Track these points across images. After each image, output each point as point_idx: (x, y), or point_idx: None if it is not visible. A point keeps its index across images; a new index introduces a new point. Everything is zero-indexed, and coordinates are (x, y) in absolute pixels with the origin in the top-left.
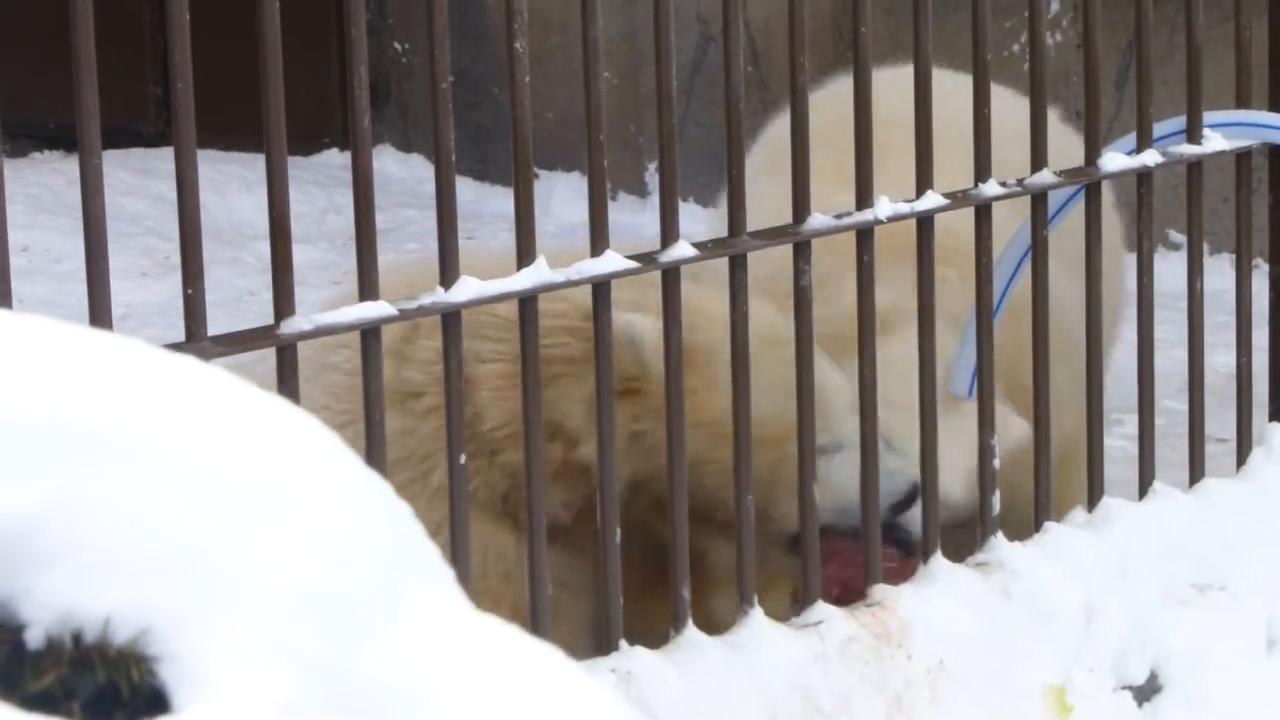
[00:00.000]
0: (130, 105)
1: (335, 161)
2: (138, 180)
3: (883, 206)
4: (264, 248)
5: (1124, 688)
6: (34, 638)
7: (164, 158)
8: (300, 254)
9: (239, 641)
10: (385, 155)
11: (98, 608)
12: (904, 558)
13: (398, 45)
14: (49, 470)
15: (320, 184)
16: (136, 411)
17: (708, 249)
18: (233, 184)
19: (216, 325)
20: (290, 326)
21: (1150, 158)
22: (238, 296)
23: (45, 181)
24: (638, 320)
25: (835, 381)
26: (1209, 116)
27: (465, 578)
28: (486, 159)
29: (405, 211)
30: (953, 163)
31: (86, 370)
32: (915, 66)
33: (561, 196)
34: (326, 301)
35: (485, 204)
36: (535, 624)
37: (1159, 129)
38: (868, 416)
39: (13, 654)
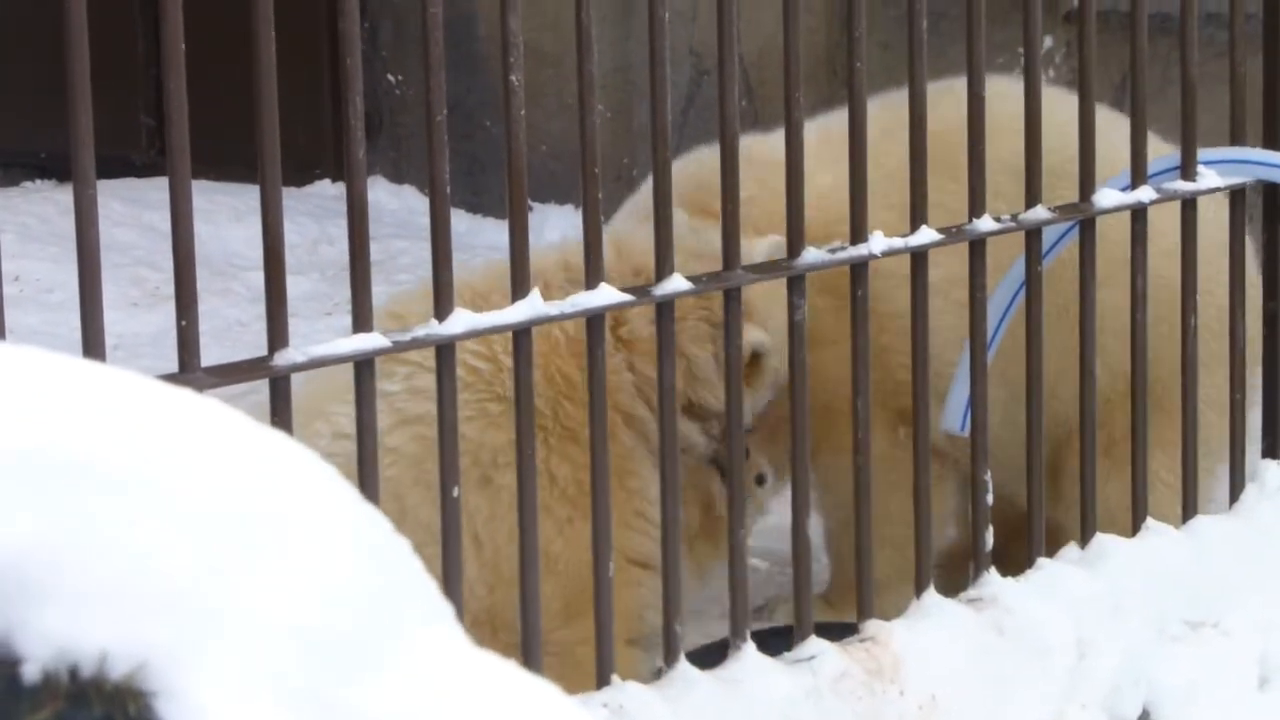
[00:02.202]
0: (122, 135)
1: (328, 192)
2: (129, 210)
3: (877, 241)
4: (254, 278)
5: None
6: (30, 672)
7: (155, 187)
8: (292, 285)
9: (235, 677)
10: (377, 186)
11: (94, 642)
12: None
13: (391, 77)
14: (45, 504)
15: (312, 214)
16: (133, 445)
17: (702, 283)
18: (223, 214)
19: (207, 356)
20: (284, 358)
21: (1145, 194)
22: (228, 327)
23: (36, 211)
24: (764, 337)
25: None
26: (1203, 153)
27: (458, 600)
28: (480, 190)
29: (397, 242)
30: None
31: (82, 402)
32: (910, 104)
33: (554, 229)
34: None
35: (478, 236)
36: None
37: (1153, 165)
38: (860, 449)
39: (9, 689)
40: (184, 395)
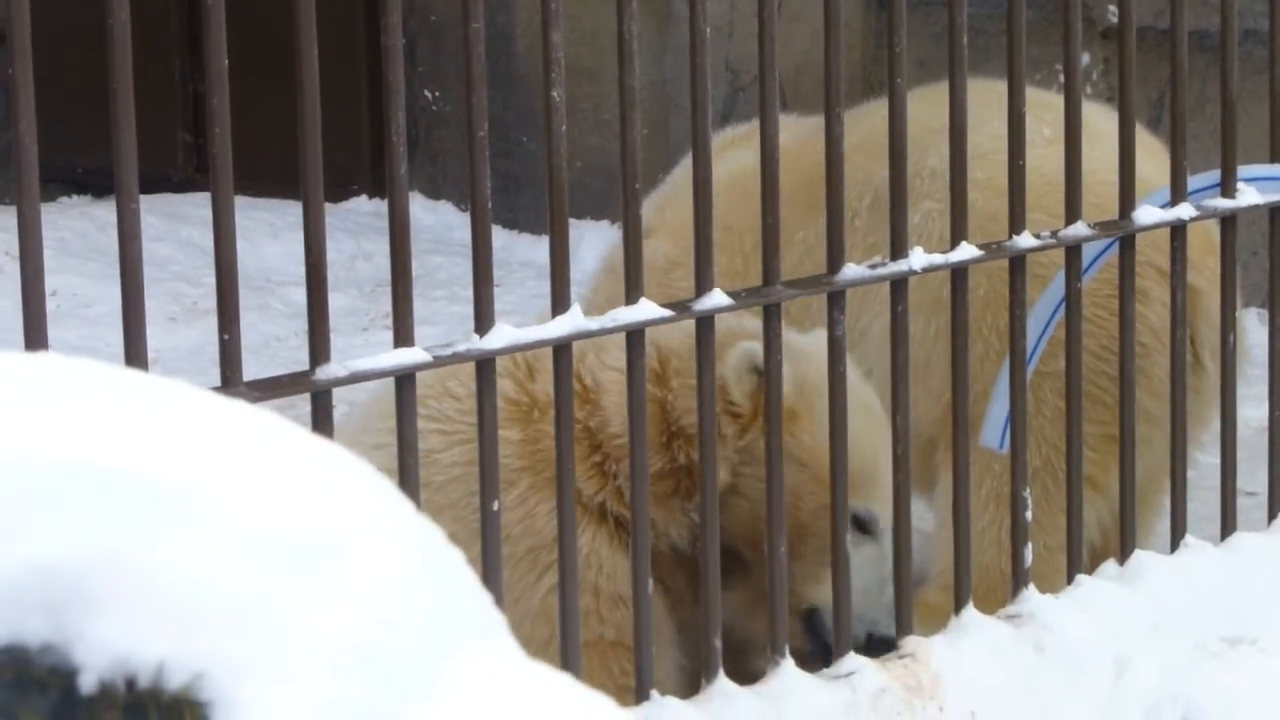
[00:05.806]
0: (160, 151)
1: (364, 208)
2: (167, 225)
3: (917, 257)
4: (291, 293)
5: None
6: (87, 682)
7: (193, 203)
8: (330, 300)
9: (293, 691)
10: (414, 202)
11: (151, 653)
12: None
13: (428, 93)
14: (103, 517)
15: (349, 231)
16: (192, 458)
17: (741, 298)
18: (260, 230)
19: (245, 371)
20: (325, 373)
21: (1184, 211)
22: (265, 342)
23: (74, 226)
24: (759, 348)
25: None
26: (1243, 170)
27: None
28: (516, 207)
29: (434, 258)
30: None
31: (142, 416)
32: (950, 119)
33: (590, 245)
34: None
35: (514, 252)
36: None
37: (1193, 182)
38: (900, 466)
39: (66, 699)
40: (243, 408)
